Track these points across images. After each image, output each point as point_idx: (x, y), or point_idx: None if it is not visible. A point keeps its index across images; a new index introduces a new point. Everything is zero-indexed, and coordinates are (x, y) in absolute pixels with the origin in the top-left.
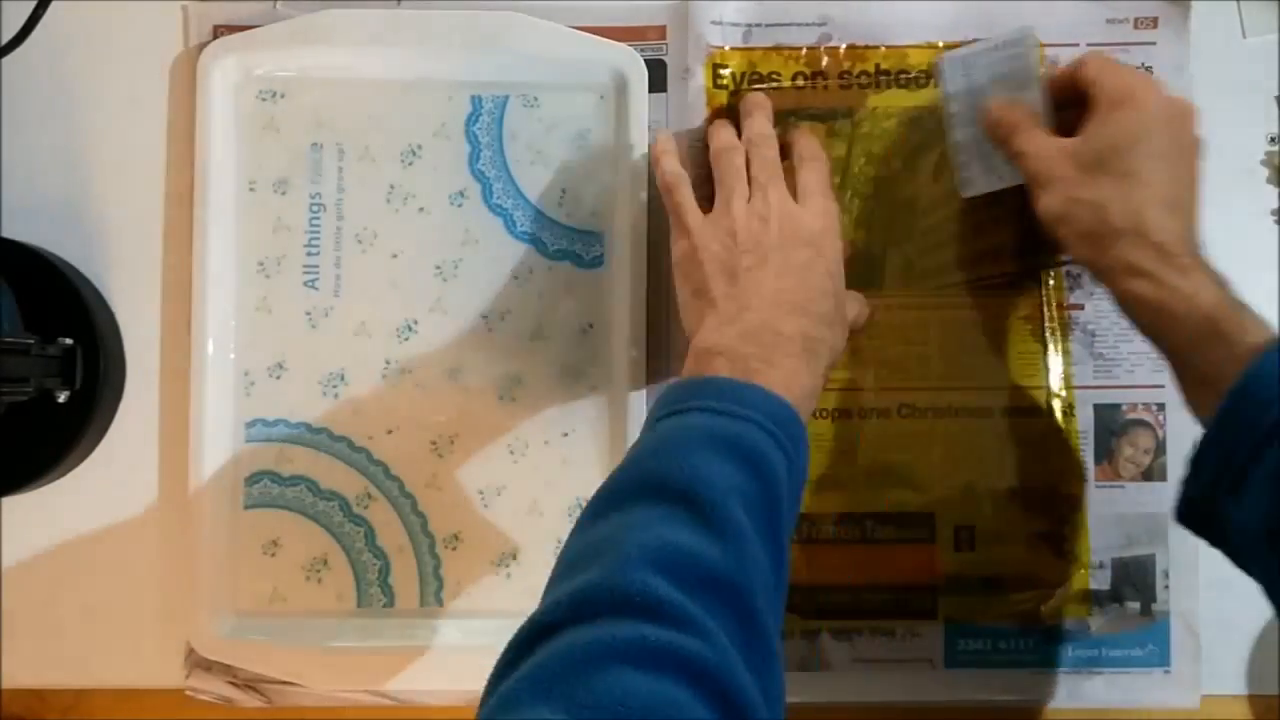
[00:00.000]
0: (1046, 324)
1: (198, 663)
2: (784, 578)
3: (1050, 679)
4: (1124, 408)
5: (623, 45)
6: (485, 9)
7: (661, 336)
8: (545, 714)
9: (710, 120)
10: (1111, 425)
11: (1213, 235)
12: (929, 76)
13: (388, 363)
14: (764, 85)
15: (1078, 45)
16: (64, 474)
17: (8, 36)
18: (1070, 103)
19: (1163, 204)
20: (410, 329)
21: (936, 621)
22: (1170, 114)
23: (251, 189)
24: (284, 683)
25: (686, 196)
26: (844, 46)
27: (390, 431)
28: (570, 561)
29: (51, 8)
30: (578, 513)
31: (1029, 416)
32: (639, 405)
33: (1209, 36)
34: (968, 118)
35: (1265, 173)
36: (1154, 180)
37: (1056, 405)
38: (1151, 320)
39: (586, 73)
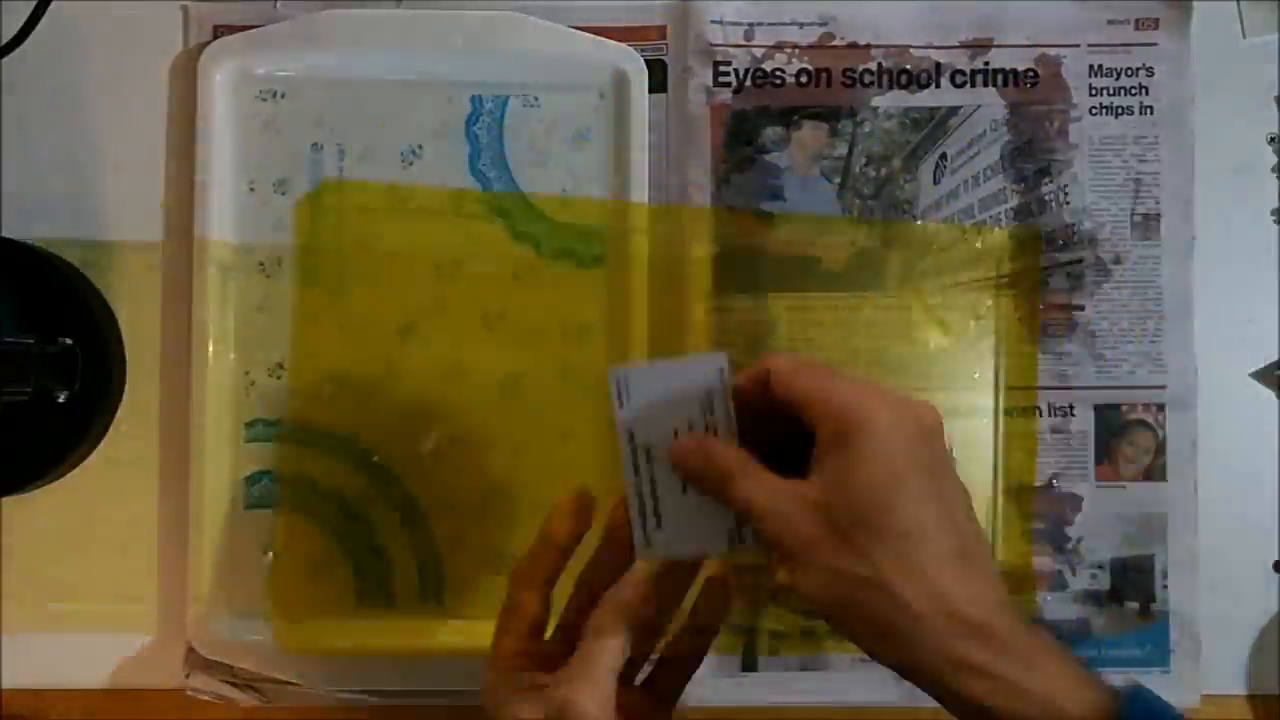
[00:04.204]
0: (1046, 324)
1: (197, 663)
2: None
3: None
4: (1124, 408)
5: (623, 45)
6: (485, 9)
7: (661, 336)
8: None
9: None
10: (1111, 425)
11: (1213, 235)
12: (930, 77)
13: (388, 363)
14: (767, 83)
15: (1078, 46)
16: (64, 474)
17: (8, 36)
18: (762, 414)
19: (952, 561)
20: (410, 329)
21: None
22: (915, 439)
23: (251, 189)
24: (284, 683)
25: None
26: (846, 45)
27: (390, 431)
28: None
29: (51, 8)
30: None
31: (1028, 416)
32: None
33: (1209, 36)
34: (646, 452)
35: (1266, 172)
36: (926, 533)
37: (1056, 405)
38: None
39: (586, 73)
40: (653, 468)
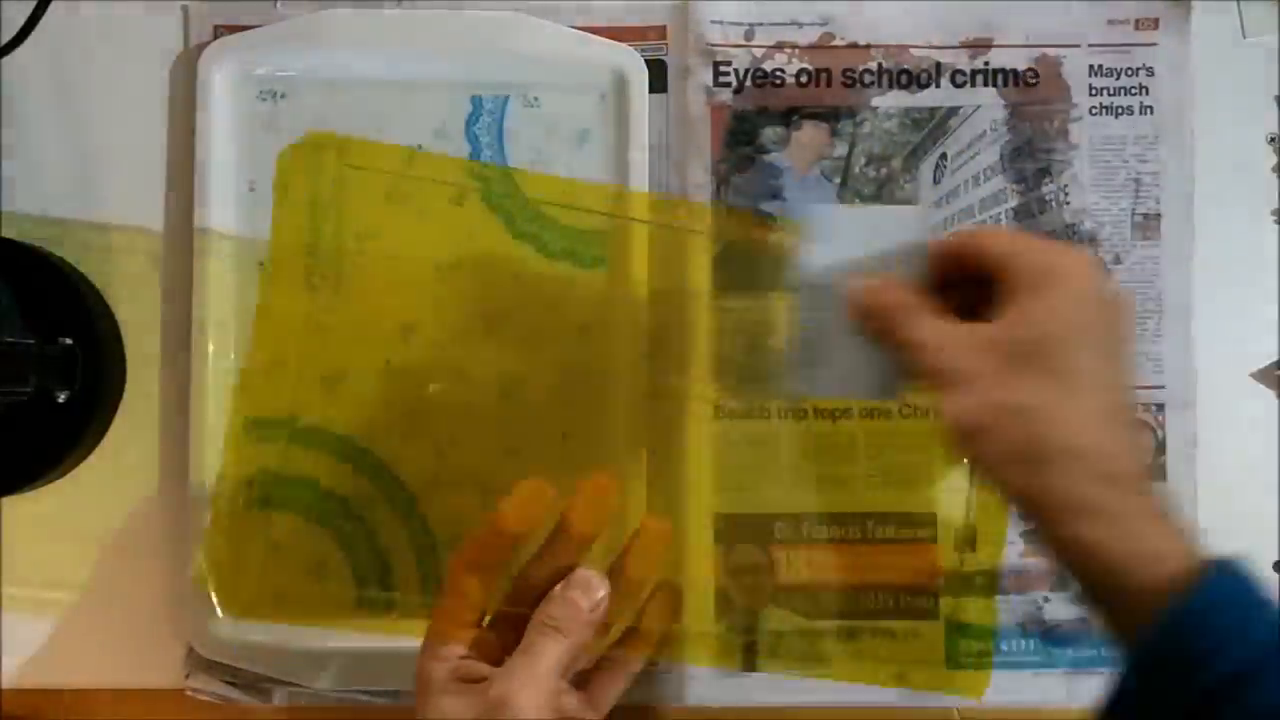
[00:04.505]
0: None
1: (198, 663)
2: None
3: (1050, 679)
4: None
5: (623, 45)
6: (485, 9)
7: (661, 337)
8: None
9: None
10: None
11: (1213, 235)
12: (930, 77)
13: (388, 363)
14: (767, 83)
15: (1079, 46)
16: (64, 474)
17: (8, 36)
18: (956, 282)
19: (1105, 415)
20: (410, 329)
21: (938, 622)
22: (1106, 299)
23: (251, 189)
24: (284, 683)
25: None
26: (846, 45)
27: (390, 431)
28: None
29: (51, 8)
30: None
31: None
32: (639, 406)
33: (1209, 36)
34: (821, 290)
35: (1266, 172)
36: (1093, 382)
37: None
38: (1097, 569)
39: (586, 73)
40: (823, 306)
